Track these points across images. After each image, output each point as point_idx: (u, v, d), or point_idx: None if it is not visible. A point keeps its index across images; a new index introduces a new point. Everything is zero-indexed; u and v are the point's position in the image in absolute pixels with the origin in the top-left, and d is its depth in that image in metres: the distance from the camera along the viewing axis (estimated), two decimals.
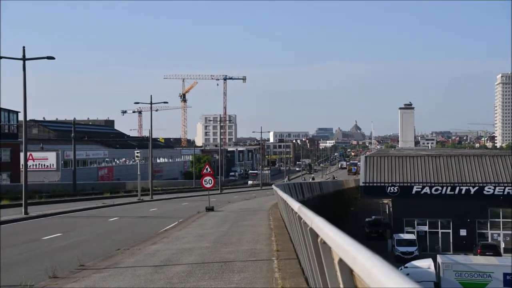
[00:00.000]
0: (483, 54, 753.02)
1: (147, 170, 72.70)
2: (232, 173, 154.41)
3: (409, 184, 58.18)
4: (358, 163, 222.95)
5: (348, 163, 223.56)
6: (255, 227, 25.96)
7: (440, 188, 57.35)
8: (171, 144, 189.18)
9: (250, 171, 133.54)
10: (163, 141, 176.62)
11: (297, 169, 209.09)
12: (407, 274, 15.86)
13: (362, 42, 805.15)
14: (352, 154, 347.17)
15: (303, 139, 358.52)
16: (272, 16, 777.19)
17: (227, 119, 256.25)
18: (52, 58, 38.43)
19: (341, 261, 4.07)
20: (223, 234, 23.35)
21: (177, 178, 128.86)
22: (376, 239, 59.03)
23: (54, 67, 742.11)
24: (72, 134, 78.72)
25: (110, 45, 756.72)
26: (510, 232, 56.29)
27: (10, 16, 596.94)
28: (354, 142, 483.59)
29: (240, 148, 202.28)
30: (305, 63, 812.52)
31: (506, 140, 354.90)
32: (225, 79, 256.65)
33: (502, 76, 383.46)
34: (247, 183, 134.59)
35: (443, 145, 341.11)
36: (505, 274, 36.72)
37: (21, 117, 68.90)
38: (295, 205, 10.24)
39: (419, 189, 57.64)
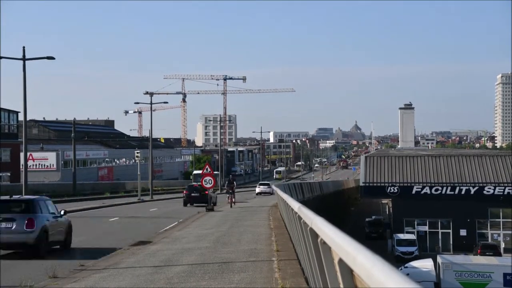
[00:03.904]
0: (483, 54, 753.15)
1: (147, 170, 72.70)
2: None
3: (409, 184, 58.20)
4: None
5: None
6: (255, 227, 25.96)
7: (440, 188, 57.36)
8: (171, 144, 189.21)
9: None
10: (163, 141, 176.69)
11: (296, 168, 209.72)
12: (407, 274, 15.86)
13: (362, 43, 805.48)
14: (352, 154, 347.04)
15: (303, 139, 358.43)
16: (272, 16, 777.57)
17: (227, 119, 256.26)
18: (52, 58, 38.44)
19: (341, 261, 4.08)
20: (223, 234, 23.34)
21: (177, 178, 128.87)
22: (376, 239, 59.04)
23: (54, 67, 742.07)
24: (72, 134, 78.68)
25: (110, 45, 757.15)
26: (510, 232, 56.32)
27: (10, 16, 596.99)
28: (354, 142, 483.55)
29: (240, 148, 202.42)
30: (305, 63, 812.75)
31: (506, 140, 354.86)
32: (225, 79, 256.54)
33: (502, 76, 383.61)
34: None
35: (443, 145, 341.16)
36: (505, 274, 36.72)
37: (21, 117, 68.93)
38: (295, 205, 10.25)
39: (419, 189, 57.66)
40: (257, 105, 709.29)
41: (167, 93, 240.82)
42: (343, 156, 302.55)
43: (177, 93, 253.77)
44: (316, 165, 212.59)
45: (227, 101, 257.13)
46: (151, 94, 73.90)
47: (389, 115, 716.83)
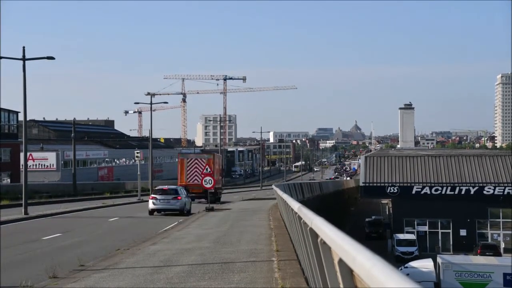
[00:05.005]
0: (483, 54, 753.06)
1: (147, 170, 72.70)
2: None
3: (409, 184, 58.20)
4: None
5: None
6: (255, 227, 25.97)
7: (440, 188, 57.36)
8: (171, 144, 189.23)
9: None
10: (163, 141, 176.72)
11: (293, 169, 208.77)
12: (407, 274, 15.86)
13: (362, 43, 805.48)
14: (352, 153, 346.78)
15: (303, 139, 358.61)
16: (272, 17, 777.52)
17: (227, 119, 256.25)
18: (52, 58, 38.43)
19: (341, 261, 4.08)
20: (223, 234, 23.36)
21: (177, 178, 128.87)
22: (376, 239, 59.05)
23: (54, 67, 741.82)
24: (72, 134, 78.70)
25: (110, 45, 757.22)
26: (510, 232, 56.32)
27: (10, 16, 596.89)
28: (354, 142, 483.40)
29: (240, 148, 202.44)
30: (305, 63, 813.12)
31: (506, 140, 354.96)
32: (225, 79, 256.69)
33: (502, 76, 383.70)
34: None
35: (443, 145, 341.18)
36: (505, 274, 36.73)
37: (21, 117, 68.93)
38: (295, 205, 10.25)
39: (419, 189, 57.66)
40: (257, 105, 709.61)
41: (168, 94, 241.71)
42: (343, 158, 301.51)
43: (178, 93, 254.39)
44: (315, 169, 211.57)
45: (227, 101, 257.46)
46: (153, 95, 73.90)
47: (389, 115, 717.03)
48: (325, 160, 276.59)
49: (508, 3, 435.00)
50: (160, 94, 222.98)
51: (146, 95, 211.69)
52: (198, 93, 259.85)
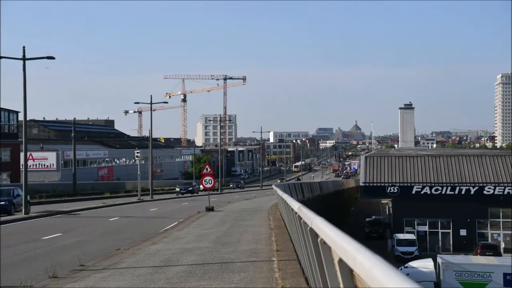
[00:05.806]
0: (483, 54, 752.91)
1: (147, 170, 72.70)
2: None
3: (409, 184, 58.14)
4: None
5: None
6: (255, 227, 25.97)
7: (440, 188, 57.32)
8: (171, 144, 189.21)
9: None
10: (163, 141, 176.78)
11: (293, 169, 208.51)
12: (407, 274, 15.84)
13: (363, 44, 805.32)
14: (350, 154, 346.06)
15: (303, 139, 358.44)
16: (273, 16, 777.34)
17: (227, 119, 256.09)
18: (52, 58, 38.44)
19: (341, 261, 4.08)
20: (223, 234, 23.35)
21: (177, 178, 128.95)
22: (376, 239, 59.01)
23: (55, 67, 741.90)
24: (72, 134, 78.70)
25: (109, 45, 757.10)
26: (510, 232, 56.27)
27: (10, 16, 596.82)
28: (354, 142, 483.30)
29: (240, 148, 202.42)
30: (306, 63, 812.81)
31: (506, 140, 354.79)
32: (225, 79, 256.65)
33: (502, 76, 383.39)
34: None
35: (443, 145, 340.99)
36: (505, 274, 36.71)
37: (21, 117, 68.87)
38: (295, 205, 10.24)
39: (419, 189, 57.61)
40: (257, 105, 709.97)
41: (177, 94, 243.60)
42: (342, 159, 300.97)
43: (183, 93, 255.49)
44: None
45: (227, 101, 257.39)
46: (170, 95, 73.75)
47: (389, 115, 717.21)
48: (323, 159, 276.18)
49: (508, 3, 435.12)
50: (173, 95, 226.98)
51: (165, 95, 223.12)
52: (191, 92, 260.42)
